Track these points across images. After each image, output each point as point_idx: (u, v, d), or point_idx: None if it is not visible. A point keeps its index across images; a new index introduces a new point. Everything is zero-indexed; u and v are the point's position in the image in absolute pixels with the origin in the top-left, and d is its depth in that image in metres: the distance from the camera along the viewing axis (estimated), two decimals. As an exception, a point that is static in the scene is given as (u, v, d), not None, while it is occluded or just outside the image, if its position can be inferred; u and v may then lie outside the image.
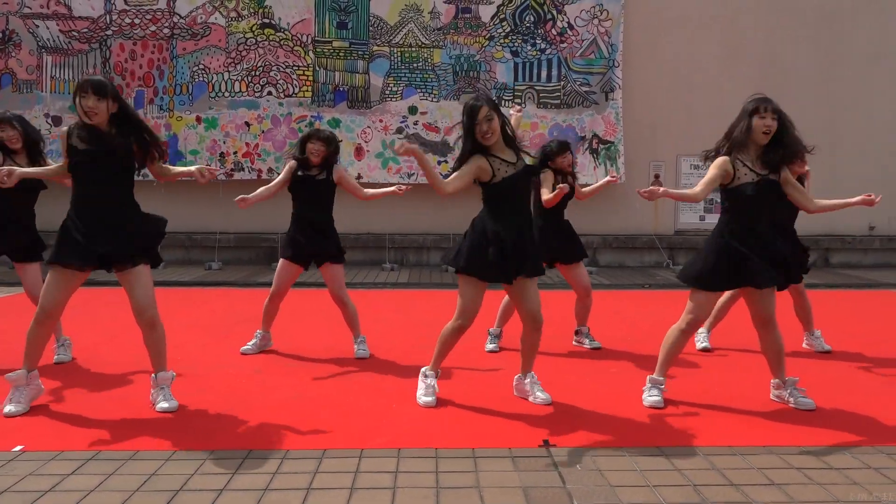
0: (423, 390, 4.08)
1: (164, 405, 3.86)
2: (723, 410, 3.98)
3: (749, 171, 3.87)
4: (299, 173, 5.16)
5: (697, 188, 3.96)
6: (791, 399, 4.03)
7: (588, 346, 5.56)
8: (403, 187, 5.34)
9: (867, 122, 11.85)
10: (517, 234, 3.85)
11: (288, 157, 5.46)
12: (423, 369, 4.17)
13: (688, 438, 3.52)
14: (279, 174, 5.32)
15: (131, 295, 3.84)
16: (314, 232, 5.12)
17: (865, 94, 11.82)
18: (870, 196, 3.90)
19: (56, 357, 4.88)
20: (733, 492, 2.90)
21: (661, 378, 4.11)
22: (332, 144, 5.16)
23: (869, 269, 11.23)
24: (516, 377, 4.23)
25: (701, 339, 5.51)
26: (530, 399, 4.09)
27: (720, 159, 3.93)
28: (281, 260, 5.21)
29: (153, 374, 3.96)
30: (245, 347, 5.27)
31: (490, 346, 5.49)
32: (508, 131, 3.93)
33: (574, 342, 5.66)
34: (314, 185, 5.13)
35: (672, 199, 4.09)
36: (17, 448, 3.31)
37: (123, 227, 3.79)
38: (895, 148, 11.90)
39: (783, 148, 3.85)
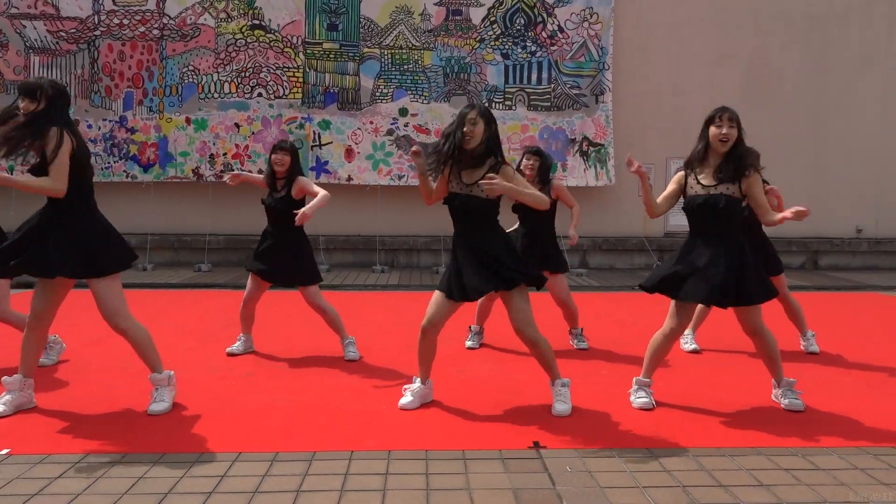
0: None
1: (151, 407, 3.86)
2: (711, 412, 4.01)
3: (696, 184, 3.95)
4: (263, 199, 5.14)
5: (659, 199, 4.09)
6: (783, 400, 4.06)
7: (575, 346, 5.61)
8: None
9: (855, 125, 11.96)
10: (471, 251, 3.84)
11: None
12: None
13: (677, 440, 3.54)
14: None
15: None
16: (283, 254, 5.04)
17: (854, 98, 11.93)
18: (800, 210, 3.67)
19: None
20: (722, 493, 2.92)
21: (648, 380, 4.13)
22: (294, 154, 5.13)
23: (856, 272, 11.33)
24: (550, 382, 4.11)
25: (688, 341, 5.55)
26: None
27: (677, 174, 4.08)
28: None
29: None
30: (231, 348, 5.27)
31: (469, 343, 5.55)
32: (488, 145, 3.83)
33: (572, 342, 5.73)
34: (277, 204, 5.06)
35: (643, 190, 4.09)
36: (4, 451, 3.29)
37: (61, 237, 3.65)
38: (883, 151, 12.02)
39: (734, 161, 3.86)
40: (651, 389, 4.14)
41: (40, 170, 3.60)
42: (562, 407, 3.93)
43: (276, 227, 5.08)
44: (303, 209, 4.70)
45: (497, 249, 3.85)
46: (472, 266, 3.83)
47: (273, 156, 5.08)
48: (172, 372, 4.03)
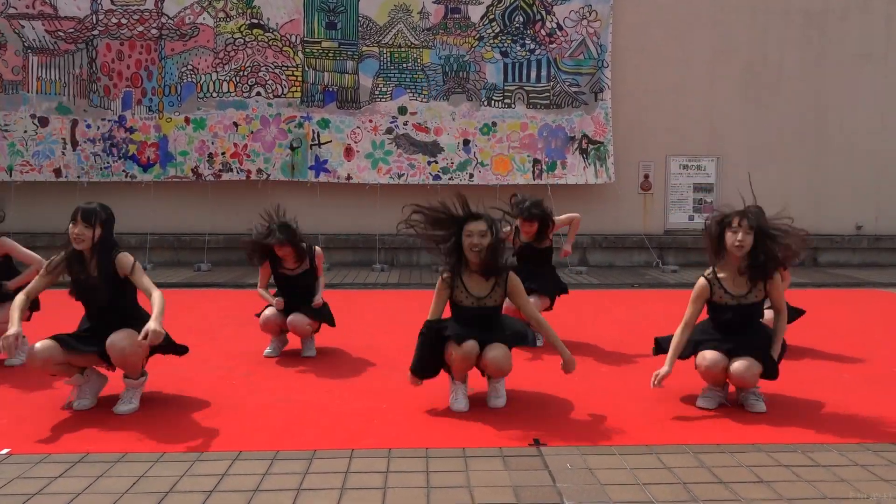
0: None
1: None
2: (712, 411, 4.00)
3: (725, 294, 3.90)
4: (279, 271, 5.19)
5: (683, 329, 4.00)
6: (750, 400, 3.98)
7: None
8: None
9: (854, 122, 11.96)
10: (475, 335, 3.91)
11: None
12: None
13: (677, 437, 3.54)
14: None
15: None
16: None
17: (853, 95, 11.94)
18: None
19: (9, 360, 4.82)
20: (722, 489, 2.93)
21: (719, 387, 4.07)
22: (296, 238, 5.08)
23: (856, 269, 11.33)
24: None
25: None
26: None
27: (698, 286, 3.94)
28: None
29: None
30: (267, 351, 5.26)
31: None
32: (494, 257, 3.88)
33: None
34: (296, 280, 5.17)
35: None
36: (4, 451, 3.29)
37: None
38: (882, 148, 12.02)
39: (758, 264, 3.77)
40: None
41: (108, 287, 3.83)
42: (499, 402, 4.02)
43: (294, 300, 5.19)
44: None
45: (500, 330, 4.01)
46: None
47: (279, 252, 5.04)
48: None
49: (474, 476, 3.04)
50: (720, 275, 3.93)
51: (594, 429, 3.66)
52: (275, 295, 5.25)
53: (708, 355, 3.87)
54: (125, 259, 3.89)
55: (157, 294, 3.78)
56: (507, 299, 4.08)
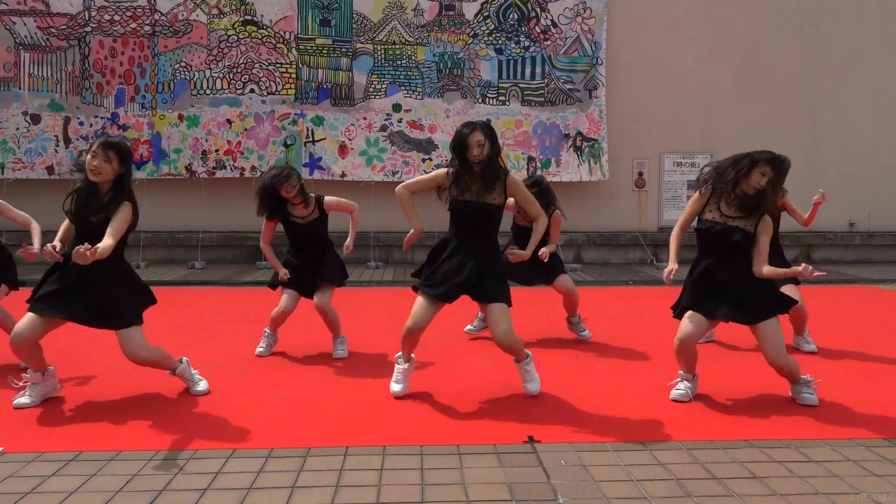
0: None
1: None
2: (705, 405, 4.02)
3: (715, 210, 4.00)
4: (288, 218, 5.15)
5: (681, 225, 4.22)
6: (798, 396, 4.07)
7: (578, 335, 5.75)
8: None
9: (848, 118, 12.01)
10: (465, 256, 3.94)
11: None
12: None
13: (671, 433, 3.55)
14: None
15: None
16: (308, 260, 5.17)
17: (846, 90, 11.98)
18: (806, 268, 3.77)
19: None
20: (715, 485, 2.94)
21: (690, 374, 4.14)
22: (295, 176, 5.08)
23: (849, 265, 11.39)
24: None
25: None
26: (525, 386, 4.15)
27: (699, 193, 4.10)
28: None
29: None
30: (259, 350, 5.20)
31: (469, 327, 5.77)
32: (493, 164, 3.95)
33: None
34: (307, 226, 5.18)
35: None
36: (-3, 450, 3.28)
37: (113, 286, 3.90)
38: (875, 145, 12.07)
39: (757, 198, 3.93)
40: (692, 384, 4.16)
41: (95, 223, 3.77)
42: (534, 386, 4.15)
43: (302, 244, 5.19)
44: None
45: (496, 263, 4.02)
46: (467, 270, 3.94)
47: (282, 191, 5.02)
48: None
49: (469, 473, 3.05)
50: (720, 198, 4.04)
51: (588, 425, 3.67)
52: (288, 250, 5.20)
53: (685, 326, 3.97)
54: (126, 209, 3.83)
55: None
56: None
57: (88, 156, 3.77)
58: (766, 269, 3.93)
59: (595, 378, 4.63)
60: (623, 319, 6.78)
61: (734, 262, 3.98)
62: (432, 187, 4.10)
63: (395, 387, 4.14)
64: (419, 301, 4.04)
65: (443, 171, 4.05)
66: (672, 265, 4.08)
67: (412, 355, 4.21)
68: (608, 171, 11.44)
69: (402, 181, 4.17)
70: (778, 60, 11.87)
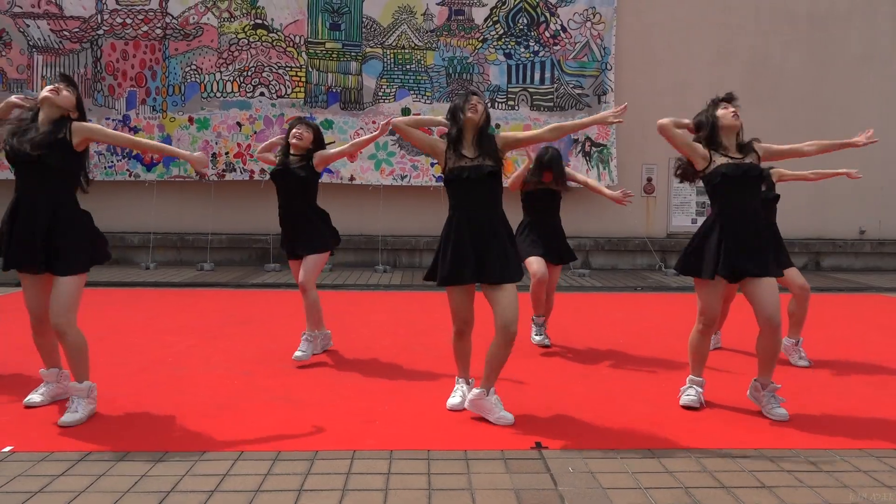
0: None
1: (64, 418, 3.61)
2: (714, 413, 4.00)
3: (723, 157, 3.97)
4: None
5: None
6: (767, 406, 3.94)
7: (533, 338, 5.61)
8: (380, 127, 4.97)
9: (858, 125, 11.83)
10: (472, 233, 3.75)
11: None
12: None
13: (679, 441, 3.53)
14: (270, 174, 5.28)
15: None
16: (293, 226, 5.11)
17: (855, 97, 11.91)
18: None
19: None
20: (724, 494, 2.92)
21: (699, 378, 4.12)
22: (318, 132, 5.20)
23: (859, 273, 11.31)
24: (474, 391, 3.84)
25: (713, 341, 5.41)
26: (490, 419, 3.75)
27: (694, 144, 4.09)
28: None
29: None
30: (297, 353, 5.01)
31: (536, 338, 5.59)
32: (486, 128, 3.92)
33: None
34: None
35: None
36: (7, 448, 3.30)
37: (70, 231, 3.69)
38: (886, 152, 11.98)
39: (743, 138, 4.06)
40: (702, 389, 4.12)
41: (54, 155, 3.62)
42: (506, 415, 3.75)
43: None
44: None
45: (501, 238, 3.78)
46: (475, 251, 3.75)
47: (296, 129, 5.08)
48: (94, 384, 3.81)
49: (476, 479, 3.04)
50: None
51: (596, 432, 3.65)
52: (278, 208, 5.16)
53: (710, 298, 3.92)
54: (82, 124, 3.75)
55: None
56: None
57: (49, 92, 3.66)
58: (813, 145, 4.15)
59: (603, 384, 4.61)
60: (631, 325, 6.76)
61: (755, 209, 3.93)
62: (427, 145, 3.97)
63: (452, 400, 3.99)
64: (449, 295, 3.87)
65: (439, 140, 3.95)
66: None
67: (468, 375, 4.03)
68: (617, 177, 11.41)
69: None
70: (786, 66, 11.82)
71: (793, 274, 5.11)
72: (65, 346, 3.69)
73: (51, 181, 3.64)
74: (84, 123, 3.78)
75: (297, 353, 4.94)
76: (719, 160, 3.95)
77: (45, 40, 11.01)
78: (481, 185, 3.79)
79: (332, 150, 5.31)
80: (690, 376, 4.15)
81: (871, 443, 3.53)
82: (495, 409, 3.77)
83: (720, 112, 4.00)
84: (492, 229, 3.77)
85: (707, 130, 4.01)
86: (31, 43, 11.01)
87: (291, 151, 5.13)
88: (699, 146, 4.04)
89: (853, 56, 11.89)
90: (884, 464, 3.26)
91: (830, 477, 3.10)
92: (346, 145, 5.27)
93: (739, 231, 3.87)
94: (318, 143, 5.17)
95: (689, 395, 4.08)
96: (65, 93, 3.72)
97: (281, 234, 5.22)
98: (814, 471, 3.17)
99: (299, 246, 5.04)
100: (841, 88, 11.88)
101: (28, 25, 10.98)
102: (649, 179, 11.89)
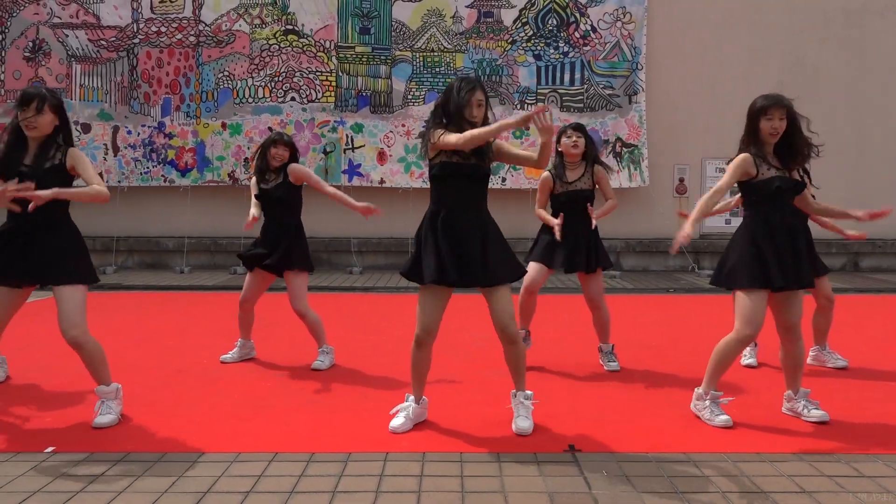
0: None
1: (98, 419, 3.67)
2: (750, 416, 3.92)
3: (770, 169, 3.78)
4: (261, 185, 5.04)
5: (712, 195, 3.91)
6: (804, 411, 3.84)
7: (606, 369, 5.00)
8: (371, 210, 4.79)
9: (893, 124, 11.63)
10: (458, 233, 3.55)
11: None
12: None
13: (716, 445, 3.48)
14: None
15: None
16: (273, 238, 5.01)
17: (892, 97, 11.61)
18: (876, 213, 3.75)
19: None
20: (762, 499, 2.86)
21: (717, 392, 3.86)
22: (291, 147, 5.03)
23: (900, 274, 11.02)
24: (511, 393, 3.77)
25: (747, 355, 5.17)
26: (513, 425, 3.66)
27: (739, 158, 3.82)
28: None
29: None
30: (225, 356, 5.15)
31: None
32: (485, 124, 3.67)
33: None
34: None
35: (704, 214, 3.98)
36: (49, 449, 3.37)
37: (54, 242, 3.67)
38: (926, 149, 11.67)
39: (796, 148, 3.78)
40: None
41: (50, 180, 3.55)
42: (524, 423, 3.59)
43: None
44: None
45: (494, 235, 3.64)
46: (464, 252, 3.54)
47: (273, 149, 4.94)
48: (120, 385, 3.84)
49: (509, 481, 3.03)
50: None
51: (630, 435, 3.61)
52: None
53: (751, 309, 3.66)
54: (76, 152, 3.67)
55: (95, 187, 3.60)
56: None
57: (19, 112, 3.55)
58: (818, 205, 4.03)
59: (635, 387, 4.56)
60: (664, 327, 6.67)
61: (792, 216, 3.81)
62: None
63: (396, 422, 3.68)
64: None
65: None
66: (686, 230, 3.62)
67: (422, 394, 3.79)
68: (648, 178, 11.30)
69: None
70: (822, 64, 11.58)
71: (822, 283, 4.94)
72: (83, 357, 3.68)
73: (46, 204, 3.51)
74: (78, 153, 3.70)
75: (315, 363, 5.01)
76: (762, 171, 3.78)
77: (83, 50, 11.27)
78: (477, 186, 3.66)
79: (316, 176, 5.13)
80: (713, 392, 3.83)
81: (916, 448, 3.43)
82: (520, 414, 3.66)
83: (763, 125, 3.78)
84: (486, 231, 3.63)
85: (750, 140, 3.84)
86: (69, 52, 11.28)
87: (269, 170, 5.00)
88: (739, 163, 3.81)
89: (891, 53, 11.60)
90: (928, 469, 3.17)
91: (872, 482, 3.03)
92: (331, 189, 5.02)
93: (785, 239, 3.75)
94: (293, 157, 5.02)
95: (721, 417, 3.77)
96: (39, 119, 3.57)
97: (256, 243, 5.08)
98: (855, 475, 3.10)
99: (284, 261, 4.94)
100: (879, 86, 11.60)
101: (67, 36, 11.25)
102: (681, 180, 11.74)
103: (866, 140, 11.66)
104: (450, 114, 3.59)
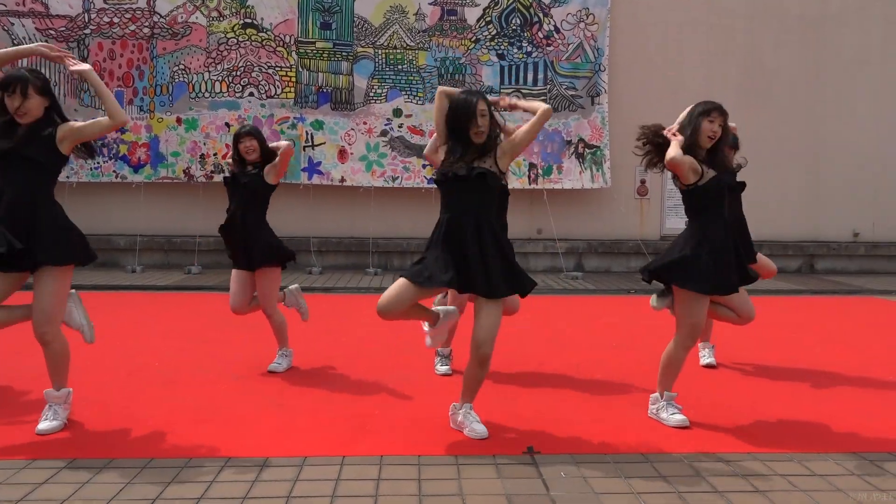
0: None
1: (41, 426, 3.56)
2: (707, 418, 4.00)
3: (708, 170, 3.83)
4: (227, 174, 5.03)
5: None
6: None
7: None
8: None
9: (851, 126, 12.01)
10: (461, 237, 3.54)
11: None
12: None
13: (672, 445, 3.54)
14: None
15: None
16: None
17: (849, 100, 11.99)
18: None
19: None
20: (718, 499, 2.93)
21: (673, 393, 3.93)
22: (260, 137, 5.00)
23: (854, 276, 11.37)
24: (452, 406, 3.78)
25: (706, 355, 5.26)
26: (465, 432, 3.65)
27: (688, 159, 3.79)
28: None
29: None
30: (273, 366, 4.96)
31: (442, 369, 4.95)
32: (493, 134, 3.66)
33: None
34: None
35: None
36: (-12, 456, 3.27)
37: (48, 224, 3.56)
38: (880, 153, 12.07)
39: (721, 153, 3.88)
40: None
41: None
42: (480, 427, 3.61)
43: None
44: None
45: (504, 246, 3.63)
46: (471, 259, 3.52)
47: (241, 144, 4.90)
48: (71, 389, 3.73)
49: (467, 484, 3.04)
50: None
51: (589, 437, 3.65)
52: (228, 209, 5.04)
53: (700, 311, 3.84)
54: (68, 124, 3.66)
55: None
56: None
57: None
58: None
59: (596, 388, 4.62)
60: (625, 329, 6.77)
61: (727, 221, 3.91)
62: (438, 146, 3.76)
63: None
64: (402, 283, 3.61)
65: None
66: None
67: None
68: (610, 179, 11.45)
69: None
70: (781, 68, 11.89)
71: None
72: (48, 355, 3.58)
73: (30, 177, 3.50)
74: (70, 124, 3.68)
75: (272, 365, 4.94)
76: (709, 172, 3.81)
77: (30, 39, 10.93)
78: (480, 188, 3.61)
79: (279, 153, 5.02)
80: (667, 392, 3.91)
81: (865, 446, 3.54)
82: (468, 421, 3.67)
83: (705, 126, 3.79)
84: (496, 240, 3.61)
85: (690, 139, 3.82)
86: (15, 42, 10.92)
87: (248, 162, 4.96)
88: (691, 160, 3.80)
89: (847, 58, 11.97)
90: (877, 467, 3.27)
91: (824, 481, 3.12)
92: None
93: (729, 243, 3.84)
94: (263, 146, 4.94)
95: (676, 416, 3.84)
96: (27, 103, 3.52)
97: (228, 246, 5.06)
98: (807, 474, 3.18)
99: (255, 257, 4.88)
100: (835, 90, 11.96)
101: (13, 24, 10.91)
102: (643, 181, 11.93)
103: (823, 142, 12.00)
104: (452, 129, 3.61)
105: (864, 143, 12.00)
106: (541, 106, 3.71)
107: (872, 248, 11.94)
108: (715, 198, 3.84)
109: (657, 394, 3.96)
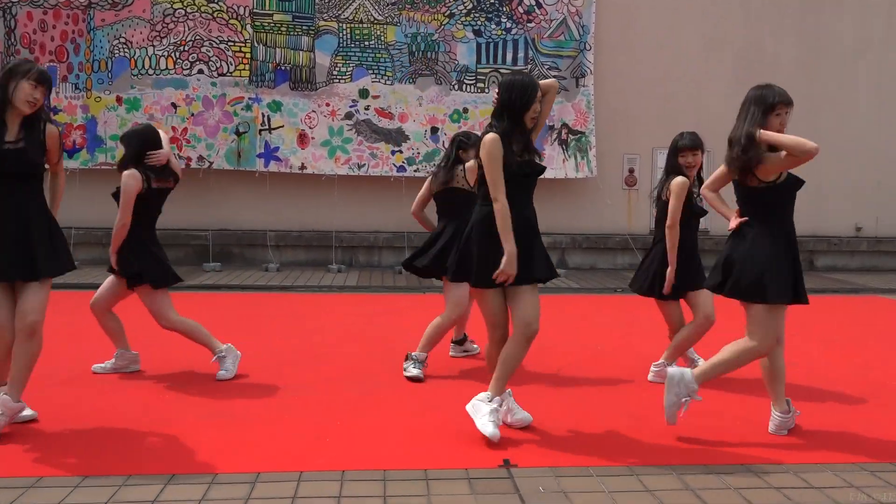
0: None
1: None
2: (697, 426, 4.05)
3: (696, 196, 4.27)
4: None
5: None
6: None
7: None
8: None
9: (851, 116, 12.24)
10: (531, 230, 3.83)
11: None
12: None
13: (660, 457, 3.57)
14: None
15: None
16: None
17: (849, 88, 12.23)
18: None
19: None
20: (708, 514, 2.96)
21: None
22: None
23: (855, 273, 11.60)
24: (481, 396, 3.84)
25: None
26: (509, 421, 3.89)
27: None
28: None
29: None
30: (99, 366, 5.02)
31: (413, 371, 4.96)
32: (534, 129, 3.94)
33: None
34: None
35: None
36: None
37: (44, 233, 3.91)
38: (882, 143, 12.32)
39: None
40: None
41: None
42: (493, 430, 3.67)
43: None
44: None
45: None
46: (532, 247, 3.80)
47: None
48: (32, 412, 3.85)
49: (437, 501, 3.03)
50: None
51: (571, 447, 3.67)
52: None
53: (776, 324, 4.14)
54: (53, 130, 3.90)
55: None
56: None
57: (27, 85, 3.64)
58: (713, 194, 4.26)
59: (579, 395, 4.65)
60: (611, 330, 6.82)
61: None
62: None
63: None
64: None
65: (495, 138, 3.70)
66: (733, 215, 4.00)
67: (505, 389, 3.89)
68: (596, 168, 11.52)
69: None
70: (778, 55, 12.07)
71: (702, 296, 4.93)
72: (28, 350, 3.68)
73: (29, 181, 3.77)
74: (54, 131, 3.91)
75: (220, 373, 4.91)
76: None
77: (-51, 7, 10.70)
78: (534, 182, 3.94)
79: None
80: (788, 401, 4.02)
81: (865, 456, 3.61)
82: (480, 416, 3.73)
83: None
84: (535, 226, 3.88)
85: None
86: (-68, 10, 10.69)
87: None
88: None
89: (846, 45, 12.20)
90: (877, 478, 3.34)
91: (822, 493, 3.17)
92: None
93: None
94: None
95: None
96: (42, 99, 3.77)
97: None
98: (804, 487, 3.23)
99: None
100: (834, 79, 12.19)
101: (-70, -10, 10.65)
102: (631, 171, 12.03)
103: (820, 129, 12.18)
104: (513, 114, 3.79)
105: (865, 132, 12.24)
106: (552, 84, 4.05)
107: (876, 244, 12.19)
108: (792, 196, 3.97)
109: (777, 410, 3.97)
